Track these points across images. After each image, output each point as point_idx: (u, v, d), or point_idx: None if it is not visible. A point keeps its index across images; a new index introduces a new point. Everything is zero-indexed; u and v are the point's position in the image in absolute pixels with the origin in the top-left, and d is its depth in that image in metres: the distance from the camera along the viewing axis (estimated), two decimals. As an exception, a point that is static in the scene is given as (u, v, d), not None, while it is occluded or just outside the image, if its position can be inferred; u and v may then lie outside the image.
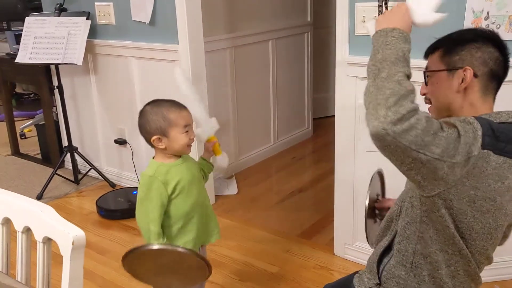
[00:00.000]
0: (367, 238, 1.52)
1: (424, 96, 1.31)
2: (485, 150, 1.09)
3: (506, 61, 1.24)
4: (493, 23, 1.87)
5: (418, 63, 1.36)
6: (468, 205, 1.12)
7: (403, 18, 1.21)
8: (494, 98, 1.25)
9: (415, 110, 1.03)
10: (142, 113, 1.64)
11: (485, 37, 1.23)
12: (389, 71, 1.10)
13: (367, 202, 1.47)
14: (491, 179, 1.11)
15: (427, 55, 1.32)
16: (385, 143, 1.06)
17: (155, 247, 1.34)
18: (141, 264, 1.39)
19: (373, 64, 1.15)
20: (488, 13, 1.86)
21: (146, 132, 1.62)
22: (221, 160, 1.82)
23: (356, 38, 2.13)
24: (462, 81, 1.20)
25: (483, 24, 1.87)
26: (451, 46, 1.24)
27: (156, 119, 1.59)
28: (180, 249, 1.34)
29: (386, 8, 1.97)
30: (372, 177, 1.52)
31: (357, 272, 1.53)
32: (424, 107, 1.30)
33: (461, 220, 1.15)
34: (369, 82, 1.12)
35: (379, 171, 1.56)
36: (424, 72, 1.30)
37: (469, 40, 1.22)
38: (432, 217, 1.18)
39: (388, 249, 1.36)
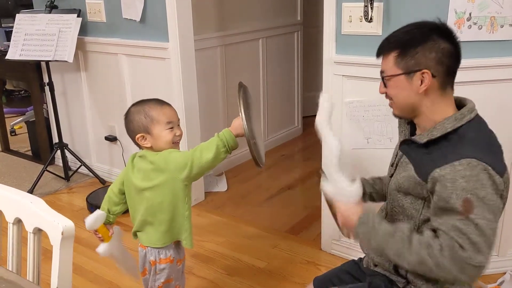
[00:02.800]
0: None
1: (384, 94, 1.35)
2: (503, 177, 1.17)
3: (458, 51, 1.26)
4: (475, 24, 1.92)
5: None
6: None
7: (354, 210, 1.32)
8: (453, 88, 1.30)
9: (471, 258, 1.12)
10: (126, 114, 1.65)
11: (436, 32, 1.25)
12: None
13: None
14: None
15: (379, 55, 1.34)
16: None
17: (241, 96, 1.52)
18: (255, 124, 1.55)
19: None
20: (470, 14, 1.91)
21: (130, 131, 1.63)
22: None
23: (343, 37, 2.17)
24: (421, 83, 1.24)
25: (466, 25, 1.92)
26: (404, 49, 1.25)
27: (138, 118, 1.59)
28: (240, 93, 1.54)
29: (372, 8, 2.01)
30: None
31: (349, 262, 1.58)
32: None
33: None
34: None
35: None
36: (381, 75, 1.33)
37: (421, 40, 1.23)
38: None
39: None
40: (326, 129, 1.43)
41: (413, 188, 1.28)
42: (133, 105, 1.66)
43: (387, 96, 1.34)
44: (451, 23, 1.92)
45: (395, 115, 1.36)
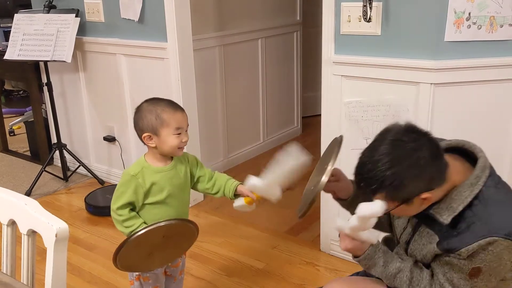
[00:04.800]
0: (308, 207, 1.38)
1: None
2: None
3: (435, 145, 1.18)
4: (474, 23, 1.91)
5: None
6: None
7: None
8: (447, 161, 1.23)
9: None
10: (138, 109, 1.63)
11: (409, 146, 1.15)
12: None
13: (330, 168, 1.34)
14: None
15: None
16: None
17: (140, 232, 1.38)
18: (133, 254, 1.44)
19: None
20: (469, 13, 1.90)
21: (139, 128, 1.62)
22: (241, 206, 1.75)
23: (342, 37, 2.16)
24: (423, 200, 1.17)
25: (465, 25, 1.91)
26: (390, 190, 1.15)
27: (150, 117, 1.58)
28: (163, 224, 1.44)
29: (370, 8, 2.00)
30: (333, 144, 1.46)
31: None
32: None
33: None
34: None
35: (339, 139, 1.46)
36: None
37: (404, 172, 1.13)
38: None
39: None
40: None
41: (432, 258, 1.27)
42: (147, 101, 1.63)
43: None
44: (450, 22, 1.91)
45: None
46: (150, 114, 1.58)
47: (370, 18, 2.03)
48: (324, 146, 2.37)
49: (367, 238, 1.28)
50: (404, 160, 1.13)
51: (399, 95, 2.08)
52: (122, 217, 1.57)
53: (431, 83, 1.97)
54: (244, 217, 2.90)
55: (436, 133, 2.02)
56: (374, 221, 1.22)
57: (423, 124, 2.03)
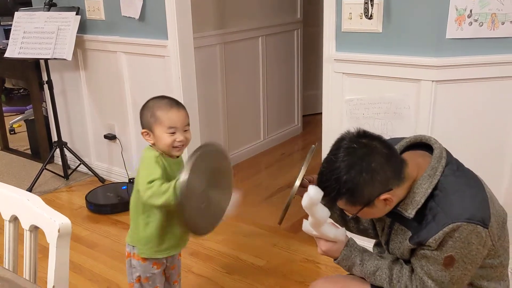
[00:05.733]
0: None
1: None
2: (488, 225, 1.17)
3: (387, 146, 1.22)
4: (476, 20, 1.91)
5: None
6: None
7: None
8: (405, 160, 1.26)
9: None
10: (143, 106, 1.64)
11: (363, 154, 1.18)
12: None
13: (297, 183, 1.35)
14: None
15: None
16: None
17: (186, 176, 1.37)
18: (194, 211, 1.43)
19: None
20: (471, 10, 1.90)
21: (140, 124, 1.63)
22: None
23: (343, 34, 2.16)
24: (386, 201, 1.20)
25: (466, 22, 1.91)
26: (349, 195, 1.19)
27: (147, 114, 1.58)
28: (198, 153, 1.43)
29: (372, 5, 2.00)
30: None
31: None
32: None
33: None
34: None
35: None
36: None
37: (360, 178, 1.16)
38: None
39: None
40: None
41: (410, 252, 1.29)
42: (152, 98, 1.63)
43: None
44: (451, 20, 1.91)
45: None
46: (147, 111, 1.59)
47: (371, 15, 2.03)
48: (324, 144, 2.37)
49: (335, 235, 1.31)
50: (357, 166, 1.17)
51: (401, 92, 2.08)
52: (156, 185, 1.47)
53: (433, 81, 1.97)
54: (244, 215, 2.90)
55: (438, 130, 2.03)
56: (322, 209, 1.24)
57: (424, 121, 2.04)
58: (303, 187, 1.31)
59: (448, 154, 1.28)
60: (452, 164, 1.26)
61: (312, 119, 4.47)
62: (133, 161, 3.24)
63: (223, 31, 3.34)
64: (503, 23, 1.91)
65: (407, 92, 2.06)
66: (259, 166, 3.69)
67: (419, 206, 1.22)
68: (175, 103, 1.60)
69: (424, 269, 1.23)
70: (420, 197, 1.22)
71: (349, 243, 1.35)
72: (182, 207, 1.39)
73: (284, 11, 3.89)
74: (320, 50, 2.26)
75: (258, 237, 2.66)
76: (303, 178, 1.35)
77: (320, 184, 1.23)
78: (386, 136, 2.16)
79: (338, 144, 1.24)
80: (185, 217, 1.43)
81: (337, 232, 1.32)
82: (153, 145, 1.60)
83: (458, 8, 1.90)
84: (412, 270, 1.28)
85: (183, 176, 1.37)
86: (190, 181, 1.38)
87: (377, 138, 1.23)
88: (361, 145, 1.20)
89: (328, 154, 1.25)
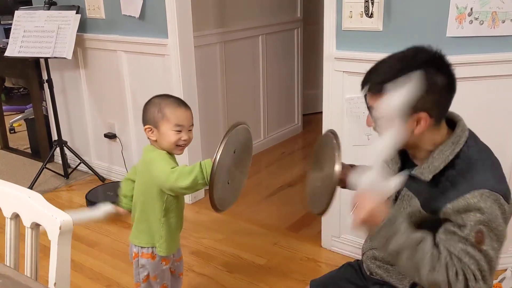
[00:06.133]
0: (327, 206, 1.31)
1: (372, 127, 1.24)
2: (510, 200, 1.14)
3: (454, 82, 1.19)
4: (476, 19, 1.91)
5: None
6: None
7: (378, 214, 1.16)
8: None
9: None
10: (147, 102, 1.65)
11: (431, 68, 1.14)
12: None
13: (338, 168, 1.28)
14: None
15: (365, 87, 1.21)
16: None
17: (219, 155, 1.37)
18: (221, 187, 1.43)
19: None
20: (471, 9, 1.90)
21: (143, 120, 1.63)
22: None
23: (344, 33, 2.16)
24: (417, 123, 1.16)
25: (467, 20, 1.91)
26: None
27: (153, 110, 1.60)
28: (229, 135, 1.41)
29: (372, 3, 2.00)
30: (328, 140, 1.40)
31: (345, 265, 1.56)
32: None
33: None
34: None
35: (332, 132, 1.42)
36: (369, 109, 1.22)
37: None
38: None
39: None
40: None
41: (423, 221, 1.23)
42: (157, 96, 1.65)
43: (375, 129, 1.23)
44: (452, 18, 1.91)
45: None
46: (154, 107, 1.60)
47: (372, 14, 2.03)
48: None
49: (392, 185, 1.15)
50: (420, 72, 1.12)
51: (401, 90, 2.07)
52: (180, 167, 1.49)
53: (433, 79, 1.97)
54: (245, 214, 2.90)
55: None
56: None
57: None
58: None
59: (472, 132, 1.25)
60: (475, 138, 1.24)
61: (312, 118, 4.47)
62: (133, 160, 3.24)
63: (223, 29, 3.34)
64: (503, 22, 1.91)
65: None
66: (259, 165, 3.69)
67: (437, 172, 1.19)
68: (182, 103, 1.63)
69: (456, 249, 1.12)
70: (439, 163, 1.19)
71: (395, 208, 1.25)
72: (213, 183, 1.39)
73: (284, 10, 3.89)
74: (320, 48, 2.26)
75: (259, 236, 2.66)
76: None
77: (373, 70, 1.20)
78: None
79: (411, 48, 1.19)
80: (214, 193, 1.42)
81: (394, 181, 1.15)
82: (155, 142, 1.61)
83: (459, 7, 1.90)
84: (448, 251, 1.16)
85: (218, 153, 1.37)
86: (223, 157, 1.39)
87: (451, 71, 1.19)
88: (436, 63, 1.16)
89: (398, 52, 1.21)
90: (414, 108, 1.14)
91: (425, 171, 1.21)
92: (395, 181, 1.15)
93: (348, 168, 1.45)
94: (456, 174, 1.17)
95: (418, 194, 1.24)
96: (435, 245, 1.16)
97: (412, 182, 1.25)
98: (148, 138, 1.64)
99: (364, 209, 1.14)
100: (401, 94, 1.11)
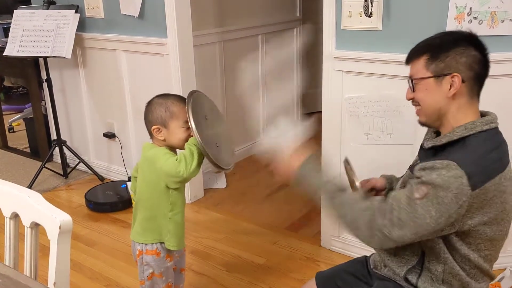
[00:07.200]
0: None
1: (411, 100, 1.34)
2: (477, 190, 1.15)
3: (486, 61, 1.27)
4: (475, 18, 1.91)
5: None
6: (484, 226, 1.22)
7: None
8: (479, 98, 1.30)
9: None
10: (149, 103, 1.66)
11: (467, 40, 1.26)
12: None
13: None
14: (495, 198, 1.20)
15: (409, 61, 1.33)
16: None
17: (193, 125, 1.51)
18: (215, 150, 1.57)
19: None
20: (471, 8, 1.90)
21: (148, 121, 1.64)
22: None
23: (343, 32, 2.16)
24: (450, 86, 1.24)
25: (466, 20, 1.91)
26: (435, 53, 1.26)
27: (160, 110, 1.61)
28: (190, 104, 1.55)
29: (372, 3, 2.00)
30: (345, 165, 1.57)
31: (352, 261, 1.57)
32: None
33: (481, 237, 1.24)
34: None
35: (346, 160, 1.60)
36: (410, 79, 1.32)
37: (452, 45, 1.25)
38: (454, 245, 1.26)
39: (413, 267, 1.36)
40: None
41: None
42: (157, 96, 1.66)
43: (414, 101, 1.33)
44: (451, 18, 1.91)
45: (421, 123, 1.35)
46: (160, 106, 1.61)
47: (371, 13, 2.03)
48: (323, 143, 2.36)
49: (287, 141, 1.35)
50: (456, 42, 1.25)
51: (400, 90, 2.05)
52: (181, 156, 1.54)
53: (432, 78, 1.97)
54: (244, 213, 2.90)
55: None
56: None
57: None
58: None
59: (499, 133, 1.29)
60: (492, 137, 1.26)
61: (311, 118, 4.46)
62: (132, 159, 3.23)
63: (222, 29, 3.34)
64: (502, 21, 1.91)
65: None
66: (258, 164, 3.69)
67: (437, 144, 1.26)
68: (185, 100, 1.63)
69: (395, 196, 1.23)
70: (444, 139, 1.25)
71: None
72: (207, 153, 1.51)
73: (283, 9, 3.89)
74: (320, 47, 2.26)
75: (258, 236, 2.66)
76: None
77: (412, 49, 1.32)
78: (387, 134, 2.17)
79: (450, 31, 1.33)
80: (213, 159, 1.53)
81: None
82: (163, 141, 1.63)
83: (458, 6, 1.90)
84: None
85: (194, 132, 1.51)
86: (200, 128, 1.52)
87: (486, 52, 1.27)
88: (469, 42, 1.25)
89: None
90: (448, 68, 1.23)
91: (430, 142, 1.29)
92: (290, 134, 1.34)
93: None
94: (451, 150, 1.23)
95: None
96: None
97: (423, 155, 1.34)
98: (155, 138, 1.64)
99: (273, 164, 1.37)
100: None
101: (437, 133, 1.37)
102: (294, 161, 1.35)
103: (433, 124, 1.33)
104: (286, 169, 1.36)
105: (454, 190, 1.14)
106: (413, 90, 1.31)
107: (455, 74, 1.23)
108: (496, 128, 1.28)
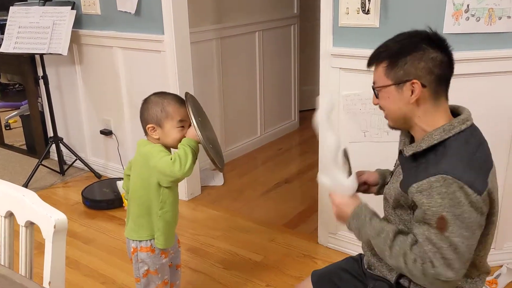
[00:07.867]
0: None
1: (377, 105, 1.33)
2: (483, 193, 1.16)
3: (450, 60, 1.24)
4: (473, 15, 1.91)
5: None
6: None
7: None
8: (446, 97, 1.27)
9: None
10: (145, 100, 1.65)
11: (427, 42, 1.22)
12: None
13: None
14: (495, 195, 1.23)
15: (369, 65, 1.32)
16: None
17: (194, 123, 1.56)
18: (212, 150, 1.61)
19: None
20: (468, 5, 1.89)
21: (144, 119, 1.64)
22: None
23: (340, 29, 2.15)
24: (412, 93, 1.22)
25: (463, 17, 1.91)
26: (393, 60, 1.23)
27: (155, 109, 1.60)
28: (189, 107, 1.60)
29: (369, 0, 1.99)
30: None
31: (347, 259, 1.57)
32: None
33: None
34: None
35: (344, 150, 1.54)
36: (373, 87, 1.31)
37: (411, 49, 1.22)
38: None
39: None
40: (324, 126, 1.40)
41: (398, 199, 1.29)
42: (155, 94, 1.66)
43: (380, 107, 1.32)
44: (449, 14, 1.90)
45: (390, 127, 1.34)
46: (156, 106, 1.61)
47: (368, 10, 2.02)
48: (321, 142, 2.35)
49: (348, 185, 1.35)
50: (413, 46, 1.22)
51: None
52: (175, 156, 1.55)
53: (430, 76, 1.97)
54: (241, 211, 2.90)
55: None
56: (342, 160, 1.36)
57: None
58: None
59: (474, 126, 1.26)
60: (470, 135, 1.23)
61: (309, 115, 4.40)
62: (129, 156, 3.23)
63: (219, 26, 3.33)
64: (500, 18, 1.91)
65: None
66: (256, 161, 3.69)
67: (418, 150, 1.24)
68: (181, 100, 1.65)
69: (425, 235, 1.18)
70: (424, 143, 1.23)
71: (361, 203, 1.35)
72: (208, 152, 1.57)
73: (281, 6, 3.88)
74: (317, 44, 2.26)
75: (255, 233, 2.66)
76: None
77: (371, 54, 1.30)
78: (384, 132, 2.17)
79: (410, 32, 1.28)
80: (213, 158, 1.58)
81: (350, 182, 1.36)
82: (157, 140, 1.63)
83: (455, 3, 1.89)
84: (416, 240, 1.23)
85: (197, 131, 1.55)
86: (201, 130, 1.56)
87: (448, 49, 1.24)
88: (428, 43, 1.22)
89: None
90: (407, 75, 1.21)
91: (410, 148, 1.27)
92: (350, 181, 1.35)
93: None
94: (434, 157, 1.21)
95: (404, 171, 1.31)
96: (400, 232, 1.26)
97: (404, 160, 1.32)
98: (150, 137, 1.64)
99: (333, 206, 1.36)
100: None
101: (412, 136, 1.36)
102: (348, 207, 1.34)
103: (402, 127, 1.33)
104: (341, 212, 1.36)
105: (466, 201, 1.13)
106: (377, 97, 1.30)
107: (414, 80, 1.20)
108: (472, 125, 1.26)
